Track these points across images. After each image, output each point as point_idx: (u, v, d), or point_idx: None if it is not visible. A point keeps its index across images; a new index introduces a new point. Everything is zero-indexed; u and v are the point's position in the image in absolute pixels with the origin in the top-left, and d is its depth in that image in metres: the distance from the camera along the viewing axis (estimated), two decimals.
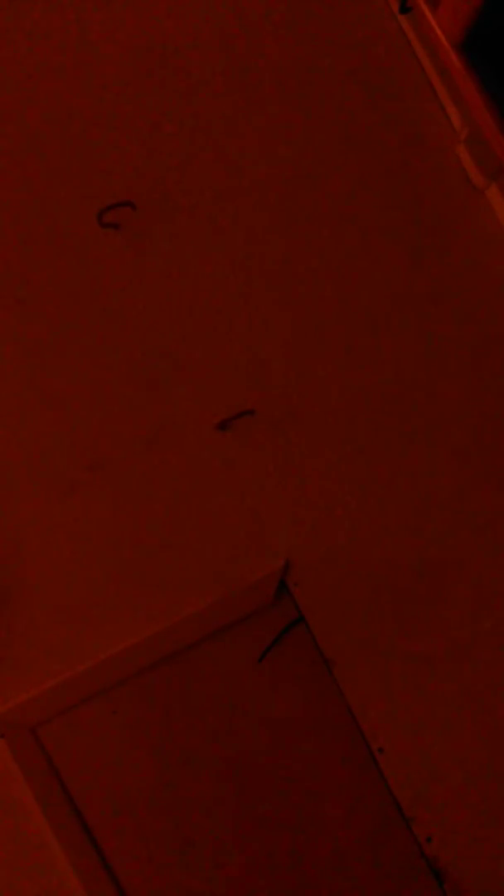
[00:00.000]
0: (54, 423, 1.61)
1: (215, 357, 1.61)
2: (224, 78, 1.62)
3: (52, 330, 1.62)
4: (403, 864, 1.60)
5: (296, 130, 1.62)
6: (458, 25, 1.30)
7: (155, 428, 1.61)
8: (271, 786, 1.60)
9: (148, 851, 1.60)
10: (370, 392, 1.61)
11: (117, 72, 1.62)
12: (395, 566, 1.60)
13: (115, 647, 1.59)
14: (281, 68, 1.62)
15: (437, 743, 1.60)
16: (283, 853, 1.60)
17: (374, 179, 1.61)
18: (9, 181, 1.62)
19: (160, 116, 1.62)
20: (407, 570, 1.60)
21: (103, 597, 1.60)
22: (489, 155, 1.51)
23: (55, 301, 1.62)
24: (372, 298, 1.61)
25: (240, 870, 1.60)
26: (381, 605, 1.60)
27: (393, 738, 1.60)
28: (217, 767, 1.60)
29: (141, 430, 1.61)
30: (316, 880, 1.60)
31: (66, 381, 1.62)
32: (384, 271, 1.61)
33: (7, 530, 1.61)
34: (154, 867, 1.60)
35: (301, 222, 1.61)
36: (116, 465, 1.61)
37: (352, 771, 1.60)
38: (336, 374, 1.61)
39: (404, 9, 1.53)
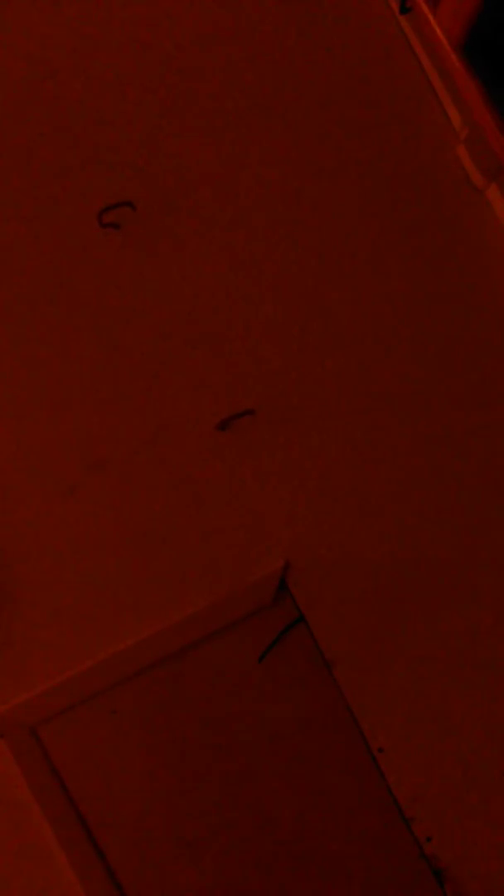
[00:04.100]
0: (54, 424, 1.61)
1: (215, 357, 1.61)
2: (224, 78, 1.62)
3: (52, 330, 1.62)
4: (403, 864, 1.60)
5: (296, 130, 1.62)
6: (459, 26, 1.30)
7: (155, 428, 1.61)
8: (271, 786, 1.60)
9: (148, 851, 1.60)
10: (370, 392, 1.61)
11: (118, 72, 1.62)
12: (396, 566, 1.60)
13: (115, 647, 1.59)
14: (281, 68, 1.62)
15: (437, 743, 1.60)
16: (282, 853, 1.60)
17: (374, 179, 1.62)
18: (9, 181, 1.62)
19: (160, 116, 1.62)
20: (407, 570, 1.60)
21: (103, 597, 1.60)
22: (489, 155, 1.51)
23: (55, 301, 1.62)
24: (372, 298, 1.61)
25: (239, 869, 1.60)
26: (381, 606, 1.60)
27: (393, 738, 1.60)
28: (217, 767, 1.60)
29: (141, 430, 1.61)
30: (316, 880, 1.60)
31: (66, 382, 1.62)
32: (384, 271, 1.62)
33: (7, 530, 1.61)
34: (154, 867, 1.60)
35: (300, 222, 1.62)
36: (116, 466, 1.61)
37: (352, 771, 1.60)
38: (336, 374, 1.61)
39: (404, 9, 1.53)
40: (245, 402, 1.60)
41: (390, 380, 1.61)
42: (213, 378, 1.61)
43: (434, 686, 1.60)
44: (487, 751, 1.60)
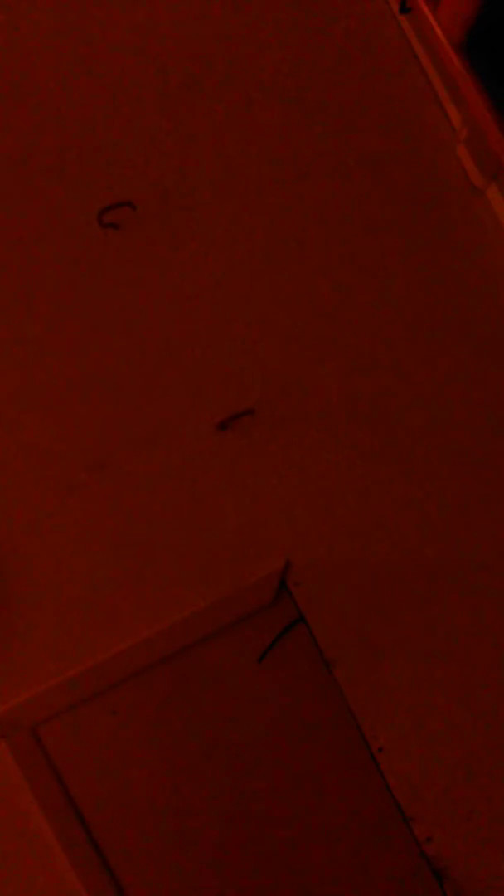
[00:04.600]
0: (54, 424, 1.61)
1: (215, 357, 1.61)
2: (224, 77, 1.62)
3: (52, 330, 1.62)
4: (403, 864, 1.60)
5: (295, 130, 1.62)
6: (459, 25, 1.30)
7: (155, 428, 1.61)
8: (271, 786, 1.60)
9: (148, 851, 1.60)
10: (370, 392, 1.61)
11: (118, 72, 1.62)
12: (395, 566, 1.60)
13: (114, 647, 1.59)
14: (281, 68, 1.62)
15: (437, 743, 1.60)
16: (283, 853, 1.60)
17: (374, 179, 1.61)
18: (9, 181, 1.62)
19: (160, 116, 1.62)
20: (407, 570, 1.60)
21: (103, 597, 1.60)
22: (489, 155, 1.51)
23: (55, 301, 1.62)
24: (372, 298, 1.61)
25: (240, 870, 1.60)
26: (381, 605, 1.60)
27: (393, 738, 1.60)
28: (217, 767, 1.60)
29: (141, 430, 1.61)
30: (316, 880, 1.60)
31: (66, 382, 1.62)
32: (384, 271, 1.61)
33: (7, 530, 1.61)
34: (154, 867, 1.60)
35: (300, 222, 1.61)
36: (116, 466, 1.61)
37: (352, 771, 1.60)
38: (336, 374, 1.61)
39: (404, 9, 1.53)
40: (245, 402, 1.60)
41: (390, 379, 1.61)
42: (213, 378, 1.61)
43: (434, 686, 1.60)
44: (487, 751, 1.60)
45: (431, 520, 1.60)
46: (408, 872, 1.60)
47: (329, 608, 1.60)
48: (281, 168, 1.61)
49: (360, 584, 1.60)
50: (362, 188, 1.61)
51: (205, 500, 1.61)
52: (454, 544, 1.60)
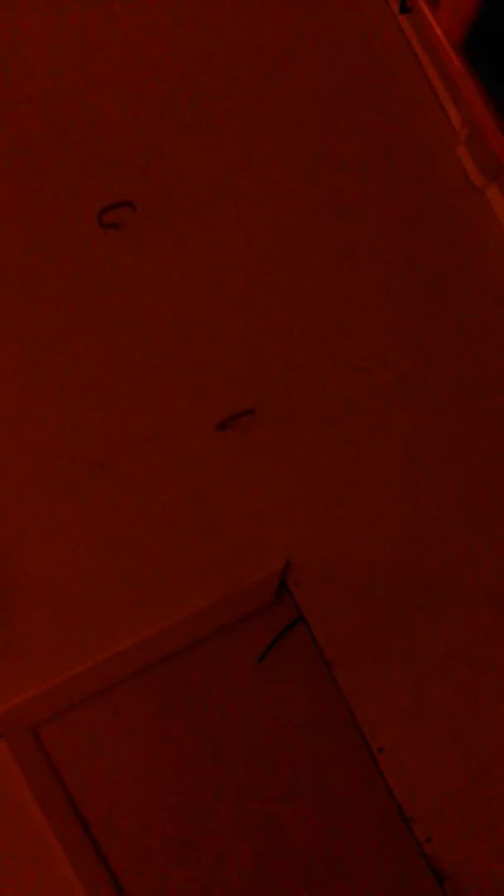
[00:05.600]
0: (54, 424, 1.61)
1: (215, 357, 1.61)
2: (224, 78, 1.62)
3: (53, 330, 1.62)
4: (403, 864, 1.60)
5: (295, 130, 1.62)
6: (458, 25, 1.30)
7: (155, 428, 1.61)
8: (271, 786, 1.60)
9: (148, 851, 1.60)
10: (370, 392, 1.61)
11: (118, 72, 1.62)
12: (396, 566, 1.60)
13: (114, 647, 1.59)
14: (281, 68, 1.62)
15: (437, 743, 1.60)
16: (283, 853, 1.60)
17: (374, 179, 1.62)
18: (10, 181, 1.62)
19: (160, 116, 1.62)
20: (407, 570, 1.60)
21: (103, 597, 1.60)
22: (489, 155, 1.51)
23: (55, 301, 1.62)
24: (371, 297, 1.61)
25: (239, 869, 1.60)
26: (381, 605, 1.60)
27: (393, 738, 1.60)
28: (217, 767, 1.60)
29: (141, 430, 1.61)
30: (316, 880, 1.60)
31: (67, 382, 1.62)
32: (384, 270, 1.62)
33: (7, 530, 1.61)
34: (154, 867, 1.60)
35: (300, 222, 1.62)
36: (116, 465, 1.61)
37: (352, 771, 1.60)
38: (336, 374, 1.61)
39: (404, 9, 1.53)
40: (245, 402, 1.60)
41: (390, 380, 1.61)
42: (213, 378, 1.61)
43: (434, 686, 1.60)
44: (487, 751, 1.60)
45: (431, 520, 1.60)
46: (408, 872, 1.60)
47: (329, 608, 1.60)
48: (281, 168, 1.61)
49: (360, 584, 1.60)
50: (362, 188, 1.61)
51: (205, 500, 1.61)
52: (454, 544, 1.60)
